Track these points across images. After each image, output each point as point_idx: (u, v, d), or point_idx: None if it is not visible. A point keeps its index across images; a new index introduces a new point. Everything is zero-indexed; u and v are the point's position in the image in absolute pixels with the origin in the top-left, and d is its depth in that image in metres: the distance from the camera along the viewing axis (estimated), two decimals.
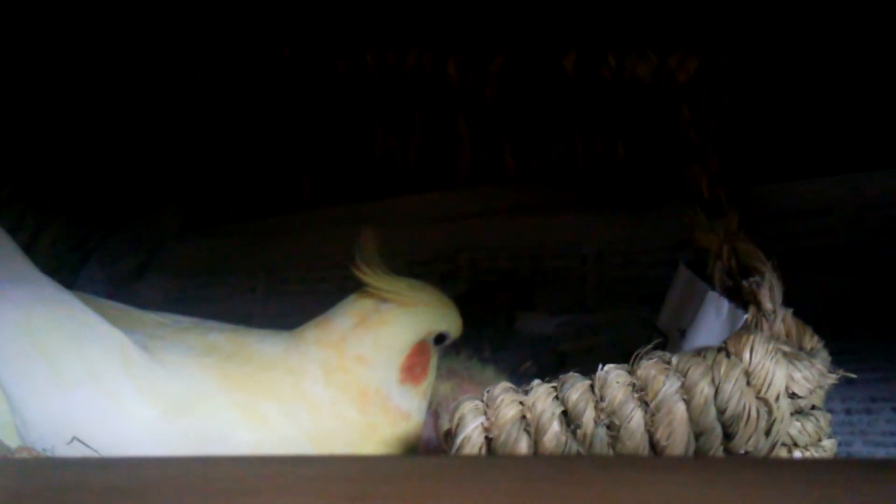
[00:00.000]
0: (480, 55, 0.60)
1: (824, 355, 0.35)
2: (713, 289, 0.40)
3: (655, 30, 0.58)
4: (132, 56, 0.61)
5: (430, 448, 0.45)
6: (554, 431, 0.33)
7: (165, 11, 0.61)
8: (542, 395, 0.34)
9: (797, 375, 0.34)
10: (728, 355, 0.33)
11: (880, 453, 0.47)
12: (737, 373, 0.33)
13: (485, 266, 0.61)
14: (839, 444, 0.38)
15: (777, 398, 0.33)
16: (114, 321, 0.43)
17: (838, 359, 0.36)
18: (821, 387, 0.34)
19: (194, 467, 0.28)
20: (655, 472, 0.26)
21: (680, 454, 0.33)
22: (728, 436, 0.33)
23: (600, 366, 0.34)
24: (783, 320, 0.36)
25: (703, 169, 0.45)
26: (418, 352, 0.44)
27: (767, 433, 0.33)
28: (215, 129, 0.64)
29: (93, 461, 0.35)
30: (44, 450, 0.39)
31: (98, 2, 0.59)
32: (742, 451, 0.33)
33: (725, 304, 0.39)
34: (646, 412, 0.33)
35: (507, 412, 0.33)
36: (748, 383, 0.33)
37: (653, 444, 0.33)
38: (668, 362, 0.34)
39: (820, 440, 0.35)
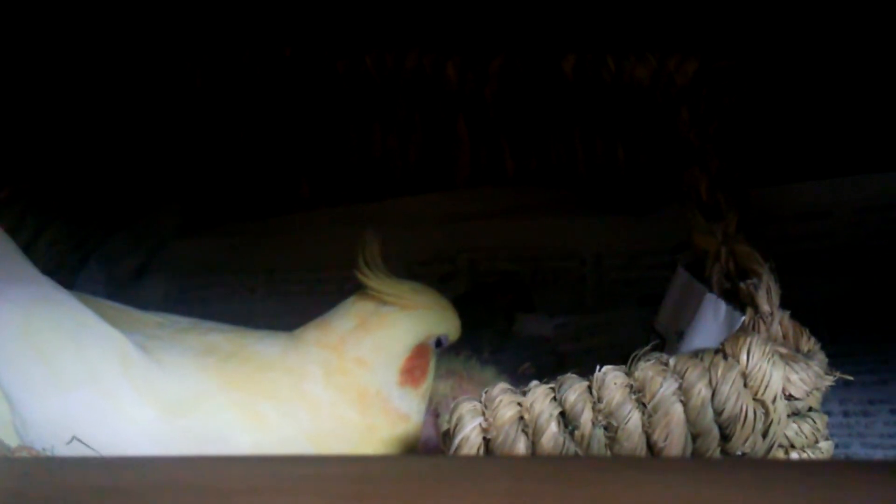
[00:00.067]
0: (480, 57, 0.60)
1: (821, 357, 0.35)
2: (711, 291, 0.40)
3: (655, 32, 0.58)
4: (132, 56, 0.61)
5: (430, 447, 0.45)
6: (552, 432, 0.33)
7: (165, 12, 0.61)
8: (539, 396, 0.34)
9: (794, 377, 0.34)
10: (725, 357, 0.34)
11: (878, 455, 0.47)
12: (734, 374, 0.33)
13: (484, 267, 0.61)
14: (837, 446, 0.39)
15: (774, 400, 0.33)
16: (113, 322, 0.43)
17: (836, 361, 0.36)
18: (818, 389, 0.34)
19: (193, 467, 0.28)
20: (653, 473, 0.26)
21: (677, 455, 0.33)
22: (725, 437, 0.33)
23: (598, 367, 0.34)
24: (780, 322, 0.36)
25: (702, 171, 0.45)
26: (418, 354, 0.45)
27: (764, 435, 0.33)
28: (215, 129, 0.64)
29: (92, 461, 0.35)
30: (43, 449, 0.39)
31: (98, 2, 0.59)
32: (739, 453, 0.33)
33: (723, 306, 0.39)
34: (643, 413, 0.33)
35: (506, 413, 0.33)
36: (745, 385, 0.33)
37: (650, 446, 0.33)
38: (666, 364, 0.34)
39: (816, 442, 0.35)
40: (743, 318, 0.37)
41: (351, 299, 0.45)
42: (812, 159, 0.57)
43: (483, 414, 0.34)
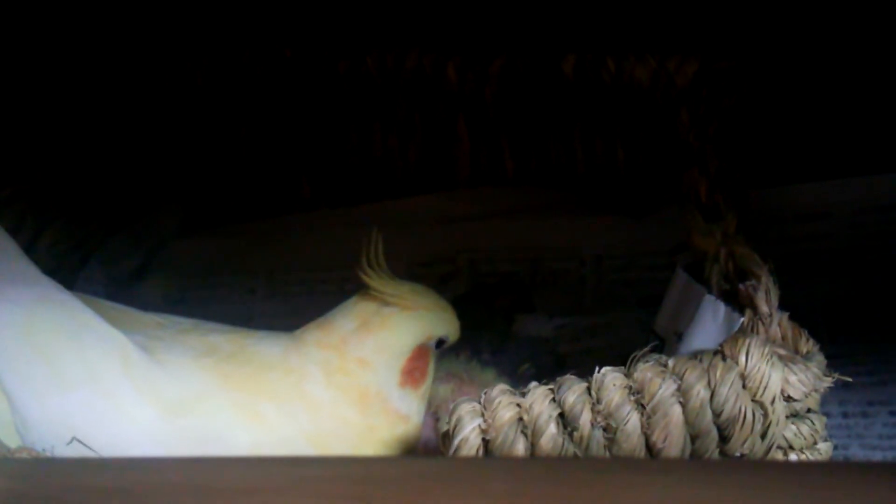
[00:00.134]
0: (480, 57, 0.60)
1: (820, 359, 0.36)
2: (710, 292, 0.40)
3: (655, 33, 0.58)
4: (132, 57, 0.61)
5: (430, 448, 0.45)
6: (551, 433, 0.33)
7: (166, 12, 0.61)
8: (539, 398, 0.34)
9: (793, 379, 0.34)
10: (724, 358, 0.34)
11: (877, 456, 0.47)
12: (733, 376, 0.33)
13: (484, 268, 0.61)
14: (836, 448, 0.39)
15: (773, 401, 0.33)
16: (114, 322, 0.43)
17: (835, 362, 0.36)
18: (816, 390, 0.34)
19: (193, 468, 0.28)
20: (651, 475, 0.26)
21: (676, 456, 0.33)
22: (724, 438, 0.33)
23: (597, 368, 0.34)
24: (779, 324, 0.36)
25: (701, 172, 0.45)
26: (418, 355, 0.45)
27: (763, 436, 0.33)
28: (215, 129, 0.64)
29: (92, 461, 0.35)
30: (43, 450, 0.39)
31: (98, 2, 0.59)
32: (738, 454, 0.33)
33: (722, 308, 0.39)
34: (642, 415, 0.33)
35: (505, 414, 0.33)
36: (744, 386, 0.33)
37: (649, 447, 0.33)
38: (665, 365, 0.34)
39: (815, 443, 0.35)
40: (742, 319, 0.37)
41: (352, 300, 0.45)
42: (812, 160, 0.57)
43: (482, 415, 0.34)
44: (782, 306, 0.37)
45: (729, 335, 0.36)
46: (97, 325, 0.42)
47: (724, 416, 0.33)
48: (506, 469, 0.27)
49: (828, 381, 0.35)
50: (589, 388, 0.34)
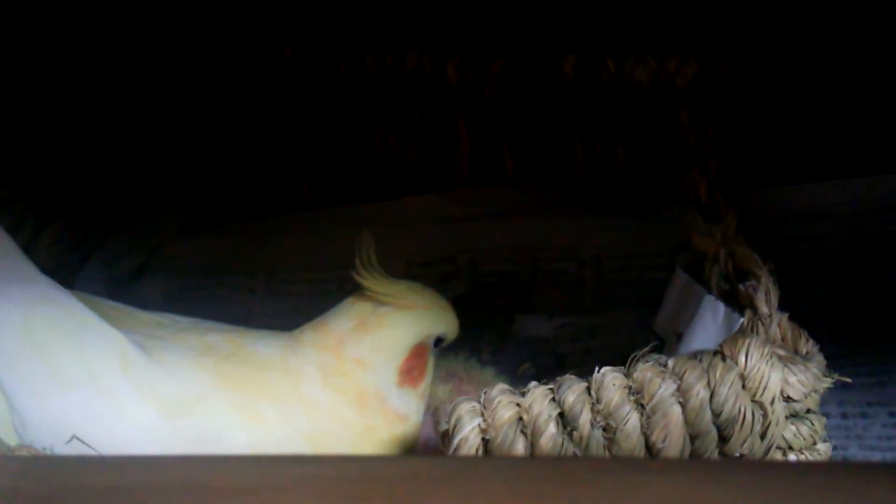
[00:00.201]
0: (480, 57, 0.60)
1: (819, 359, 0.36)
2: (710, 292, 0.40)
3: (655, 34, 0.58)
4: (133, 56, 0.61)
5: (429, 448, 0.45)
6: (550, 433, 0.33)
7: (166, 11, 0.62)
8: (538, 397, 0.34)
9: (792, 379, 0.34)
10: (724, 359, 0.34)
11: (876, 457, 0.47)
12: (732, 376, 0.33)
13: (484, 268, 0.61)
14: (835, 448, 0.39)
15: (772, 402, 0.33)
16: (113, 321, 0.43)
17: (834, 363, 0.36)
18: (816, 391, 0.35)
19: (192, 467, 0.28)
20: (651, 475, 0.26)
21: (675, 456, 0.33)
22: (723, 439, 0.33)
23: (597, 368, 0.34)
24: (779, 324, 0.36)
25: (701, 173, 0.45)
26: (416, 354, 0.45)
27: (762, 436, 0.33)
28: (216, 129, 0.64)
29: (91, 460, 0.35)
30: (43, 449, 0.39)
31: (98, 2, 0.59)
32: (737, 454, 0.33)
33: (722, 308, 0.39)
34: (642, 415, 0.33)
35: (504, 414, 0.33)
36: (744, 387, 0.33)
37: (648, 447, 0.33)
38: (665, 365, 0.34)
39: (815, 444, 0.35)
40: (742, 319, 0.37)
41: (349, 300, 0.45)
42: (811, 161, 0.57)
43: (482, 414, 0.34)
44: (782, 307, 0.37)
45: (728, 335, 0.36)
46: (96, 325, 0.42)
47: (723, 417, 0.33)
48: (505, 468, 0.27)
49: (827, 382, 0.35)
50: (589, 388, 0.34)
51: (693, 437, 0.33)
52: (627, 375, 0.34)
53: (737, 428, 0.33)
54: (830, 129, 0.57)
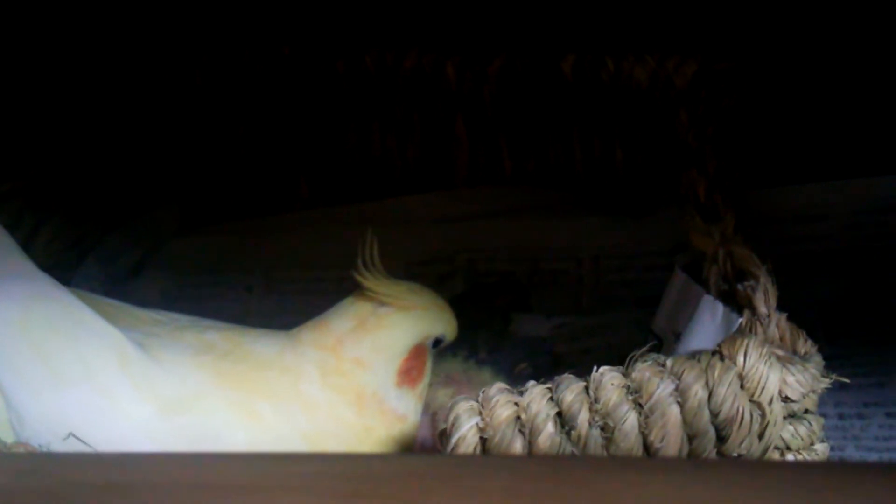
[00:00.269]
0: (479, 57, 0.60)
1: (818, 360, 0.36)
2: (708, 292, 0.40)
3: (654, 34, 0.58)
4: (131, 54, 0.61)
5: (426, 448, 0.45)
6: (548, 433, 0.33)
7: (165, 10, 0.61)
8: (536, 397, 0.34)
9: (790, 379, 0.34)
10: (722, 359, 0.34)
11: (873, 458, 0.47)
12: (731, 376, 0.33)
13: (482, 267, 0.61)
14: (832, 449, 0.39)
15: (770, 402, 0.33)
16: (111, 319, 0.43)
17: (831, 363, 0.36)
18: (814, 391, 0.35)
19: (190, 465, 0.28)
20: (649, 474, 0.26)
21: (673, 456, 0.33)
22: (721, 438, 0.33)
23: (595, 368, 0.34)
24: (777, 324, 0.36)
25: (700, 173, 0.45)
26: (415, 355, 0.45)
27: (760, 436, 0.33)
28: (214, 127, 0.64)
29: (89, 458, 0.35)
30: (39, 446, 0.39)
31: (97, 1, 0.59)
32: (735, 454, 0.33)
33: (720, 308, 0.39)
34: (640, 414, 0.33)
35: (502, 413, 0.33)
36: (742, 387, 0.33)
37: (646, 446, 0.33)
38: (663, 365, 0.34)
39: (812, 444, 0.35)
40: (740, 319, 0.37)
41: (349, 300, 0.45)
42: (810, 162, 0.57)
43: (480, 413, 0.34)
44: (780, 307, 0.37)
45: (727, 335, 0.36)
46: (94, 322, 0.42)
47: (721, 417, 0.33)
48: (503, 468, 0.27)
49: (825, 383, 0.35)
50: (587, 388, 0.34)
51: (691, 437, 0.33)
52: (626, 375, 0.34)
53: (735, 428, 0.33)
54: (829, 129, 0.57)
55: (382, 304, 0.44)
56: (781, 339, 0.36)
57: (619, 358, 0.35)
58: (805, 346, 0.36)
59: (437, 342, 0.46)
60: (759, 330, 0.36)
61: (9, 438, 0.40)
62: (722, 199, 0.43)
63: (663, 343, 0.44)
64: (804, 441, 0.35)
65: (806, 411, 0.35)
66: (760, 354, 0.33)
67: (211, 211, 0.67)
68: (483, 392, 0.34)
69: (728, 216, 0.42)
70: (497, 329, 0.56)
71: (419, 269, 0.60)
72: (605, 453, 0.33)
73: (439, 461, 0.29)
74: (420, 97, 0.62)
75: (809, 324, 0.37)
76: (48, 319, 0.42)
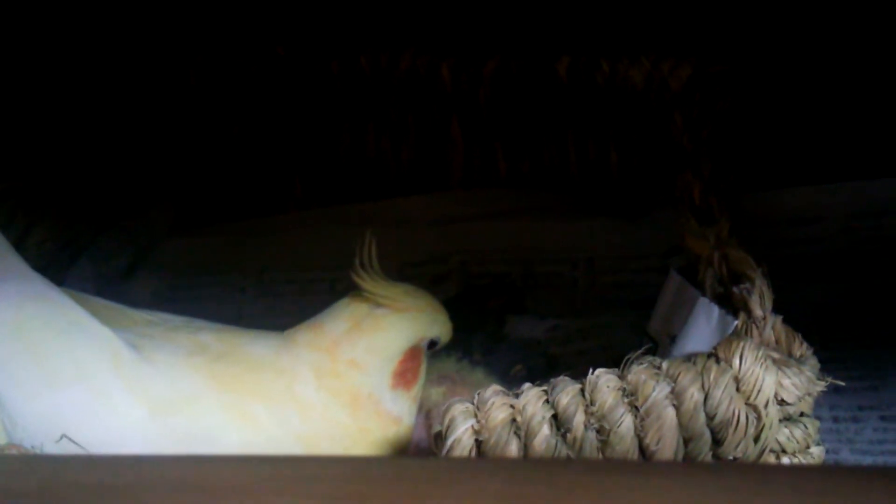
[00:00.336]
0: (474, 58, 0.60)
1: (813, 363, 0.36)
2: (704, 295, 0.40)
3: (649, 36, 0.58)
4: (125, 54, 0.61)
5: (421, 450, 0.45)
6: (544, 435, 0.33)
7: (159, 10, 0.61)
8: (532, 399, 0.34)
9: (786, 382, 0.34)
10: (718, 361, 0.34)
11: (867, 461, 0.47)
12: (726, 379, 0.33)
13: (476, 269, 0.61)
14: (827, 452, 0.39)
15: (766, 405, 0.33)
16: (104, 319, 0.43)
17: (827, 366, 0.36)
18: (809, 394, 0.35)
19: (183, 466, 0.28)
20: (644, 477, 0.26)
21: (669, 459, 0.33)
22: (717, 441, 0.33)
23: (591, 370, 0.34)
24: (773, 327, 0.36)
25: (695, 176, 0.45)
26: (410, 357, 0.45)
27: (756, 439, 0.33)
28: (208, 128, 0.64)
29: (82, 459, 0.34)
30: (32, 447, 0.38)
31: (91, 1, 0.59)
32: (731, 457, 0.33)
33: (716, 311, 0.39)
34: (635, 417, 0.33)
35: (498, 415, 0.33)
36: (737, 389, 0.33)
37: (642, 449, 0.33)
38: (659, 368, 0.34)
39: (808, 447, 0.35)
40: (736, 322, 0.37)
41: (344, 301, 0.45)
42: (804, 164, 0.57)
43: (475, 416, 0.34)
44: (775, 310, 0.37)
45: (722, 338, 0.36)
46: (87, 323, 0.42)
47: (717, 419, 0.33)
48: (498, 470, 0.27)
49: (821, 386, 0.35)
50: (583, 390, 0.34)
51: (687, 440, 0.33)
52: (621, 377, 0.34)
53: (731, 431, 0.33)
54: (823, 132, 0.58)
55: (378, 305, 0.44)
56: (777, 342, 0.36)
57: (614, 360, 0.35)
58: (800, 349, 0.36)
59: (431, 344, 0.46)
60: (755, 333, 0.36)
61: (1, 440, 0.40)
62: (717, 201, 0.43)
63: (658, 345, 0.44)
64: (800, 444, 0.35)
65: (801, 414, 0.35)
66: (756, 357, 0.33)
67: (205, 211, 0.66)
68: (478, 394, 0.34)
69: (723, 219, 0.42)
70: (492, 331, 0.56)
71: (413, 271, 0.60)
72: (600, 456, 0.33)
73: (434, 464, 0.29)
74: (415, 98, 0.62)
75: (804, 327, 0.37)
76: (41, 320, 0.41)
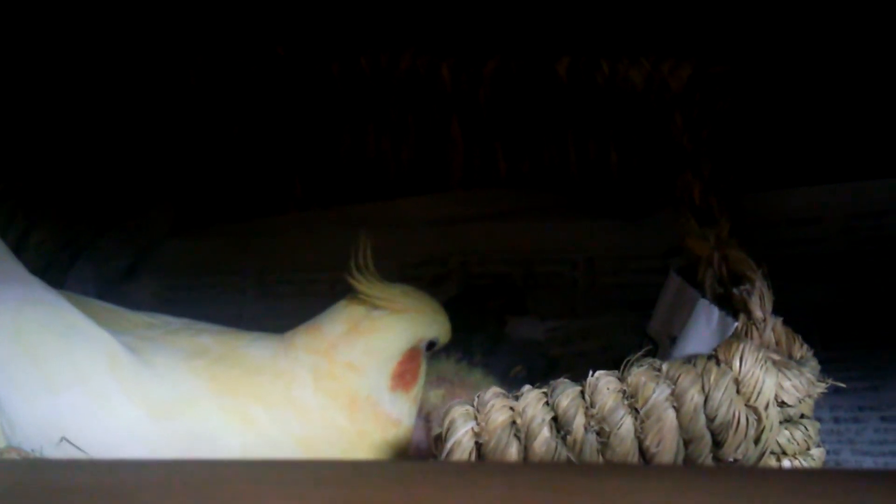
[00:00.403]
0: (474, 59, 0.60)
1: (814, 364, 0.36)
2: (704, 296, 0.40)
3: (649, 36, 0.58)
4: (125, 55, 0.61)
5: (421, 453, 0.45)
6: (544, 437, 0.33)
7: (159, 11, 0.61)
8: (532, 401, 0.34)
9: (786, 384, 0.34)
10: (718, 363, 0.34)
11: (868, 462, 0.47)
12: (726, 381, 0.33)
13: (476, 270, 0.61)
14: (827, 453, 0.39)
15: (766, 406, 0.33)
16: (103, 322, 0.43)
17: (827, 367, 0.36)
18: (810, 396, 0.34)
19: (182, 470, 0.28)
20: (644, 480, 0.26)
21: (669, 461, 0.33)
22: (717, 443, 0.33)
23: (591, 372, 0.34)
24: (773, 329, 0.36)
25: (695, 176, 0.45)
26: (409, 358, 0.44)
27: (756, 441, 0.33)
28: (208, 128, 0.64)
29: (81, 463, 0.34)
30: (32, 451, 0.38)
31: (91, 1, 0.59)
32: (731, 459, 0.33)
33: (716, 312, 0.39)
34: (636, 419, 0.33)
35: (498, 417, 0.33)
36: (738, 391, 0.33)
37: (642, 451, 0.33)
38: (659, 369, 0.34)
39: (808, 449, 0.35)
40: (736, 324, 0.37)
41: (342, 303, 0.45)
42: (804, 165, 0.57)
43: (475, 418, 0.34)
44: (775, 310, 0.37)
45: (723, 340, 0.36)
46: (85, 326, 0.42)
47: (717, 421, 0.33)
48: (498, 473, 0.27)
49: (821, 387, 0.35)
50: (583, 392, 0.34)
51: (687, 442, 0.33)
52: (621, 379, 0.34)
53: (731, 433, 0.33)
54: (823, 132, 0.57)
55: (376, 307, 0.44)
56: (777, 343, 0.36)
57: (614, 361, 0.35)
58: (801, 350, 0.36)
59: (430, 345, 0.46)
60: (755, 334, 0.36)
61: (1, 444, 0.40)
62: (717, 202, 0.43)
63: (658, 347, 0.44)
64: (800, 446, 0.35)
65: (802, 416, 0.35)
66: (756, 359, 0.33)
67: (205, 212, 0.66)
68: (478, 396, 0.34)
69: (723, 219, 0.42)
70: (492, 332, 0.56)
71: (413, 271, 0.60)
72: (600, 458, 0.33)
73: (433, 467, 0.29)
74: (415, 99, 0.61)
75: (805, 327, 0.37)
76: (40, 323, 0.41)
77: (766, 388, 0.33)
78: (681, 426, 0.33)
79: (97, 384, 0.40)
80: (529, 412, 0.33)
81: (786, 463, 0.35)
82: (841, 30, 0.56)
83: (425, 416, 0.46)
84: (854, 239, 0.55)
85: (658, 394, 0.33)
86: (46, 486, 0.26)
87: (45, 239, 0.58)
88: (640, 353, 0.35)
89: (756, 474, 0.29)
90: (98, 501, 0.25)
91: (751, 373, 0.33)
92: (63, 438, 0.39)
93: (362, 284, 0.44)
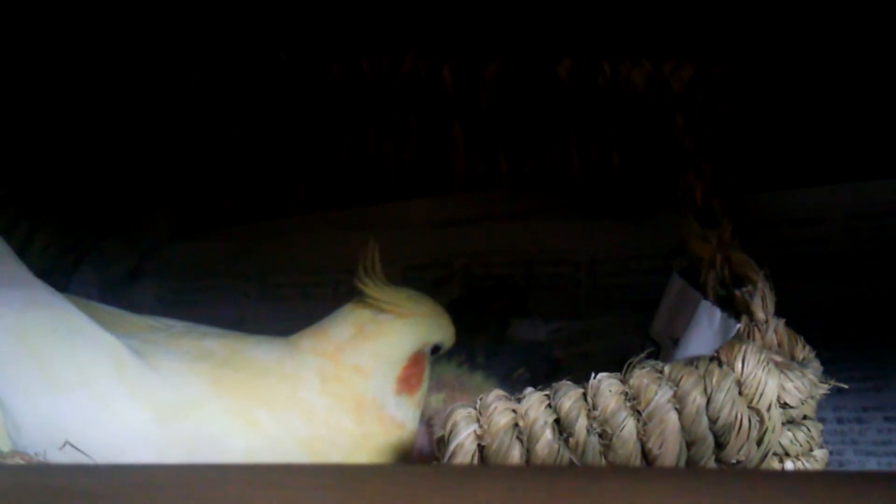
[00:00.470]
0: (476, 61, 0.60)
1: (816, 365, 0.35)
2: (706, 297, 0.40)
3: (651, 37, 0.58)
4: (127, 59, 0.61)
5: (424, 457, 0.45)
6: (546, 440, 0.33)
7: (161, 14, 0.61)
8: (534, 403, 0.34)
9: (789, 385, 0.34)
10: (720, 365, 0.34)
11: (871, 462, 0.47)
12: (729, 382, 0.33)
13: (479, 272, 0.61)
14: (830, 454, 0.38)
15: (769, 408, 0.33)
16: (107, 325, 0.43)
17: (830, 368, 0.36)
18: (812, 397, 0.34)
19: (187, 475, 0.28)
20: (647, 482, 0.26)
21: (671, 464, 0.33)
22: (720, 445, 0.33)
23: (593, 374, 0.34)
24: (775, 330, 0.36)
25: (696, 177, 0.45)
26: (414, 362, 0.45)
27: (759, 443, 0.33)
28: (210, 132, 0.64)
29: (85, 467, 0.34)
30: (36, 454, 0.38)
31: (93, 5, 0.59)
32: (733, 461, 0.33)
33: (718, 314, 0.39)
34: (638, 421, 0.33)
35: (500, 420, 0.33)
36: (740, 393, 0.33)
37: (645, 454, 0.33)
38: (661, 371, 0.34)
39: (811, 450, 0.35)
40: (738, 325, 0.37)
41: (348, 306, 0.45)
42: (806, 165, 0.57)
43: (478, 420, 0.34)
44: (777, 311, 0.37)
45: (725, 341, 0.36)
46: (90, 329, 0.42)
47: (720, 423, 0.33)
48: (501, 476, 0.27)
49: (824, 388, 0.35)
50: (585, 394, 0.34)
51: (689, 444, 0.33)
52: (624, 381, 0.34)
53: (733, 434, 0.33)
54: (825, 133, 0.57)
55: (382, 311, 0.44)
56: (779, 344, 0.36)
57: (616, 362, 0.35)
58: (803, 351, 0.36)
59: (435, 349, 0.46)
60: (758, 336, 0.36)
61: (5, 447, 0.40)
62: (719, 203, 0.43)
63: (661, 348, 0.44)
64: (803, 447, 0.35)
65: (804, 417, 0.35)
66: (759, 360, 0.33)
67: (207, 216, 0.66)
68: (481, 399, 0.34)
69: (725, 220, 0.42)
70: (495, 334, 0.56)
71: (416, 274, 0.60)
72: (603, 460, 0.33)
73: (436, 470, 0.29)
74: (416, 101, 0.61)
75: (807, 327, 0.37)
76: (44, 326, 0.41)
77: (768, 390, 0.33)
78: (683, 428, 0.33)
79: (102, 387, 0.41)
80: (532, 415, 0.33)
81: (788, 464, 0.35)
82: (841, 31, 0.56)
83: (427, 420, 0.46)
84: (856, 239, 0.55)
85: (660, 396, 0.33)
86: (50, 490, 0.27)
87: (48, 243, 0.59)
88: (642, 355, 0.35)
89: (758, 476, 0.29)
90: None
91: (753, 374, 0.33)
92: (67, 442, 0.39)
93: (370, 288, 0.44)
